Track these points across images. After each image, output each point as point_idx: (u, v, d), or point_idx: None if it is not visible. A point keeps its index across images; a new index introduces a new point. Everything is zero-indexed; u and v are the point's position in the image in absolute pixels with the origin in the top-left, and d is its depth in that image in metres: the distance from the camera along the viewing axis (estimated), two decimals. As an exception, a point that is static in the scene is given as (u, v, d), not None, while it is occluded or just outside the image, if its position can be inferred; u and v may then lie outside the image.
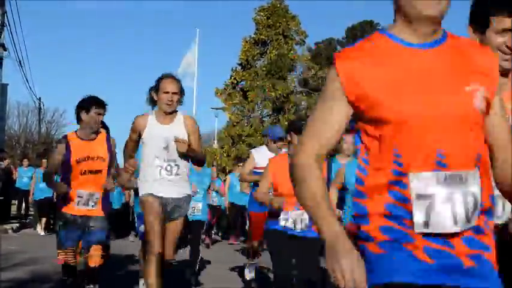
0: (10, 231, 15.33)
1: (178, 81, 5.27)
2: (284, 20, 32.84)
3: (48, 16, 67.26)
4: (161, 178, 5.14)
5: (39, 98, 37.55)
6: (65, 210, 5.53)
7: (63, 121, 42.92)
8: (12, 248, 11.17)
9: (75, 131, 5.66)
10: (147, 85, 5.57)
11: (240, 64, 33.30)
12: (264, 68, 32.55)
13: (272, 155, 6.80)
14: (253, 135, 31.87)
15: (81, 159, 5.49)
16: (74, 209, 5.50)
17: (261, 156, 7.03)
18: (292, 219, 5.27)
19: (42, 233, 14.83)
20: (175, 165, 5.16)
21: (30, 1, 44.13)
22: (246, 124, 33.07)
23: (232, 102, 33.10)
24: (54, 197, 15.20)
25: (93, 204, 5.52)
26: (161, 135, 5.13)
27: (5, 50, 21.13)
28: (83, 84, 66.25)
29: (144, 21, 68.19)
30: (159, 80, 5.20)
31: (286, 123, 31.71)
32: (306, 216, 5.09)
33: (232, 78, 33.34)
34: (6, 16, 20.91)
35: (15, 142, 40.22)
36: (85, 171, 5.47)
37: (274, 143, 7.09)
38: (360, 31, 43.71)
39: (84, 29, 70.78)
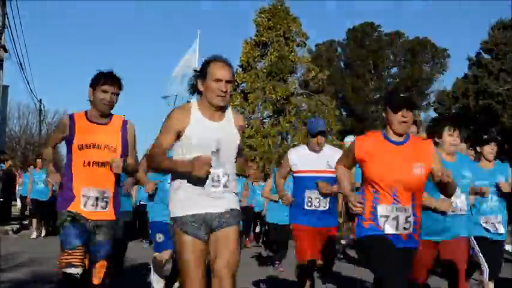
0: (10, 232, 15.32)
1: (231, 66, 4.03)
2: (285, 21, 32.85)
3: (48, 17, 67.38)
4: (207, 191, 3.89)
5: (40, 100, 37.65)
6: (69, 209, 4.44)
7: (63, 123, 42.84)
8: (13, 249, 11.16)
9: (85, 111, 4.59)
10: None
11: (241, 66, 33.30)
12: (265, 70, 32.56)
13: (313, 154, 5.88)
14: (254, 136, 31.87)
15: (84, 145, 4.43)
16: (79, 210, 4.43)
17: (299, 157, 5.94)
18: (393, 218, 3.89)
19: (35, 234, 14.38)
20: (225, 174, 3.93)
21: (30, 2, 44.32)
22: (246, 126, 33.08)
23: (232, 104, 33.09)
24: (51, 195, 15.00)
25: (103, 204, 4.45)
26: (212, 136, 3.91)
27: (5, 51, 21.13)
28: (84, 85, 66.15)
29: (145, 21, 68.27)
30: (207, 64, 3.97)
31: (286, 124, 31.79)
32: (409, 212, 3.92)
33: (233, 80, 33.33)
34: (7, 17, 20.91)
35: (16, 144, 40.23)
36: (89, 162, 4.41)
37: (313, 137, 5.86)
38: (361, 33, 43.71)
39: (85, 29, 70.89)
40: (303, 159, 5.89)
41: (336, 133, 31.97)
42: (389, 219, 3.91)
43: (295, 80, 34.01)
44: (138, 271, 8.69)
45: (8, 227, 15.64)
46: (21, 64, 24.50)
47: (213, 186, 3.88)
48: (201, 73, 3.98)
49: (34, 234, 14.45)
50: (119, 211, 4.61)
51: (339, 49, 44.85)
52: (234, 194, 4.01)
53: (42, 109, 39.15)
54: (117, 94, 4.52)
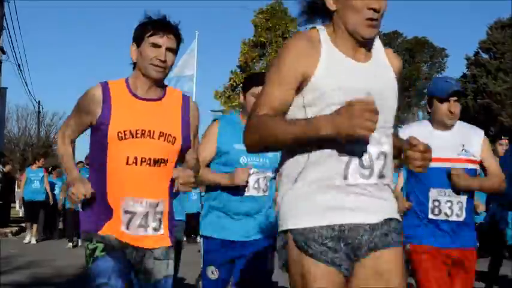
0: (10, 234, 15.33)
1: None
2: (283, 22, 32.88)
3: (47, 18, 67.34)
4: (351, 185, 2.17)
5: (38, 101, 37.66)
6: (102, 232, 2.85)
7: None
8: (12, 251, 11.16)
9: (126, 79, 2.93)
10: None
11: (239, 66, 33.31)
12: (263, 71, 32.61)
13: (441, 134, 3.72)
14: (253, 137, 31.93)
15: (128, 132, 2.80)
16: (120, 232, 2.84)
17: (420, 138, 2.79)
18: None
19: (34, 241, 13.53)
20: (381, 154, 2.21)
21: (28, 2, 44.35)
22: (245, 126, 33.05)
23: (231, 104, 33.10)
24: (50, 198, 14.18)
25: (155, 224, 2.86)
26: (360, 85, 2.19)
27: (3, 53, 21.11)
28: (83, 86, 66.25)
29: (143, 24, 68.23)
30: None
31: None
32: None
33: (232, 80, 33.38)
34: (5, 19, 20.90)
35: (15, 145, 40.19)
36: (136, 159, 2.79)
37: (444, 101, 3.68)
38: (359, 33, 43.80)
39: (84, 31, 70.84)
40: (426, 141, 3.25)
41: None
42: None
43: (294, 80, 34.09)
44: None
45: (7, 229, 15.63)
46: (19, 66, 24.48)
47: (361, 175, 2.16)
48: None
49: (27, 239, 13.70)
50: (174, 232, 3.02)
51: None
52: (391, 191, 2.30)
53: (41, 111, 39.18)
54: (175, 51, 2.87)
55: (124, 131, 2.80)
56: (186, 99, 2.98)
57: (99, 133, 2.84)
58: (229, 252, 3.85)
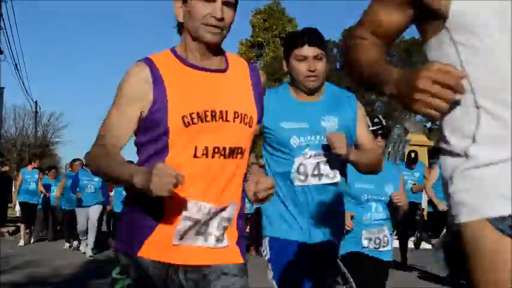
0: (6, 234, 15.32)
1: None
2: (281, 22, 32.95)
3: (45, 19, 67.26)
4: None
5: (36, 101, 37.67)
6: (142, 254, 2.09)
7: (59, 124, 42.95)
8: (11, 251, 11.16)
9: (172, 50, 2.18)
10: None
11: (237, 67, 33.43)
12: (261, 71, 32.70)
13: None
14: (250, 137, 32.03)
15: (195, 115, 2.07)
16: (169, 249, 2.09)
17: None
18: None
19: (23, 242, 12.92)
20: None
21: (26, 2, 44.41)
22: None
23: (229, 104, 33.21)
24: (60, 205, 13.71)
25: (220, 235, 2.14)
26: None
27: (1, 53, 21.11)
28: (80, 87, 66.46)
29: (142, 23, 68.27)
30: None
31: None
32: None
33: (229, 80, 33.49)
34: (2, 19, 20.90)
35: (12, 145, 40.15)
36: (207, 149, 2.08)
37: None
38: (356, 33, 43.89)
39: (82, 31, 70.77)
40: None
41: (332, 133, 32.08)
42: None
43: (291, 80, 34.17)
44: None
45: (4, 229, 15.63)
46: (16, 65, 24.50)
47: None
48: None
49: (21, 242, 13.04)
50: (244, 245, 2.27)
51: (335, 49, 44.98)
52: None
53: (38, 111, 39.17)
54: (233, 5, 2.14)
55: (190, 114, 2.06)
56: (253, 68, 2.33)
57: (152, 127, 2.08)
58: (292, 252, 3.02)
